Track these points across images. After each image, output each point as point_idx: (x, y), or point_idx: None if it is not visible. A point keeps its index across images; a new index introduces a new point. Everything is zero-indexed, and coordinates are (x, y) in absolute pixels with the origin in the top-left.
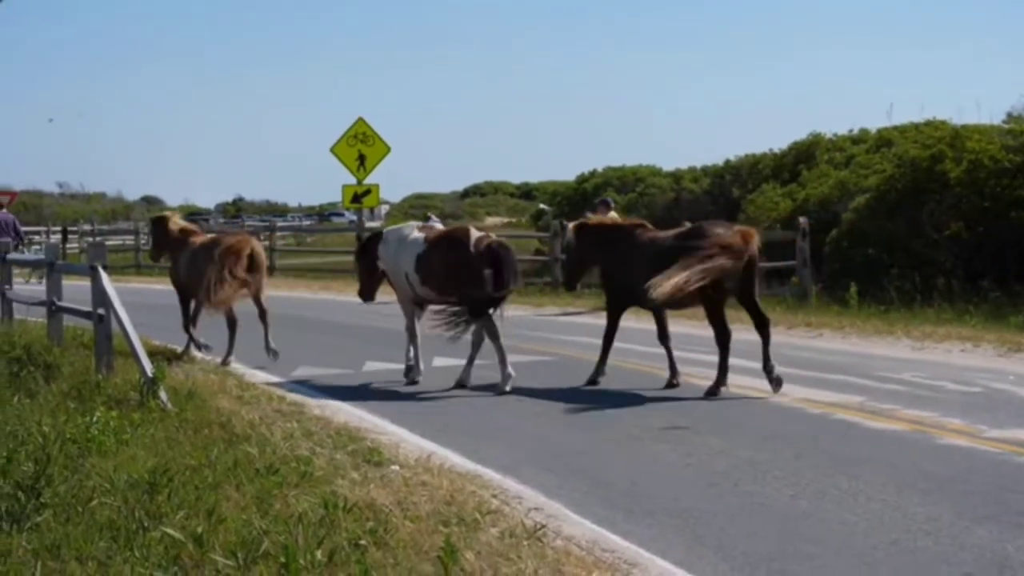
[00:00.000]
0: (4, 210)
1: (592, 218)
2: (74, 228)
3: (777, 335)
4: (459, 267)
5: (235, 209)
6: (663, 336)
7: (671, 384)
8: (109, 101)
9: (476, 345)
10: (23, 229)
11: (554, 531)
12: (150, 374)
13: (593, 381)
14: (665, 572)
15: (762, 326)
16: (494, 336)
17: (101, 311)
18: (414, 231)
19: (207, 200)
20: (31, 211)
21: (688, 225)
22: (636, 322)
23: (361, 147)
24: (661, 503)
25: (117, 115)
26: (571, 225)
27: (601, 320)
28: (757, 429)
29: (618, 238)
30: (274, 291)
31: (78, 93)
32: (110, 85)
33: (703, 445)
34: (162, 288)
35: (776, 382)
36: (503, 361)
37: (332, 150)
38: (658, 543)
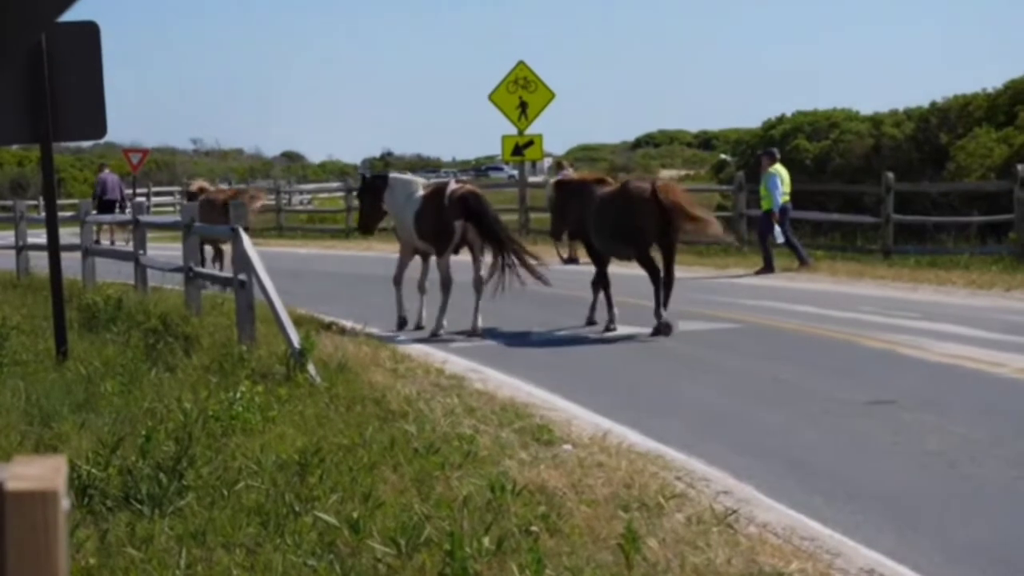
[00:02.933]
0: (108, 170)
1: (574, 175)
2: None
3: (992, 298)
4: (435, 218)
5: (383, 164)
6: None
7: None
8: (244, 53)
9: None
10: (155, 189)
11: (746, 517)
12: (297, 345)
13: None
14: (872, 563)
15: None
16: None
17: (243, 277)
18: (420, 190)
19: (352, 155)
20: (164, 169)
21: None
22: (833, 285)
23: (522, 93)
24: (866, 486)
25: (253, 67)
26: (551, 181)
27: (795, 283)
28: (972, 403)
29: (580, 193)
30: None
31: (212, 46)
32: (245, 36)
33: (912, 422)
34: (307, 252)
35: (664, 329)
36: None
37: (490, 98)
38: (863, 530)
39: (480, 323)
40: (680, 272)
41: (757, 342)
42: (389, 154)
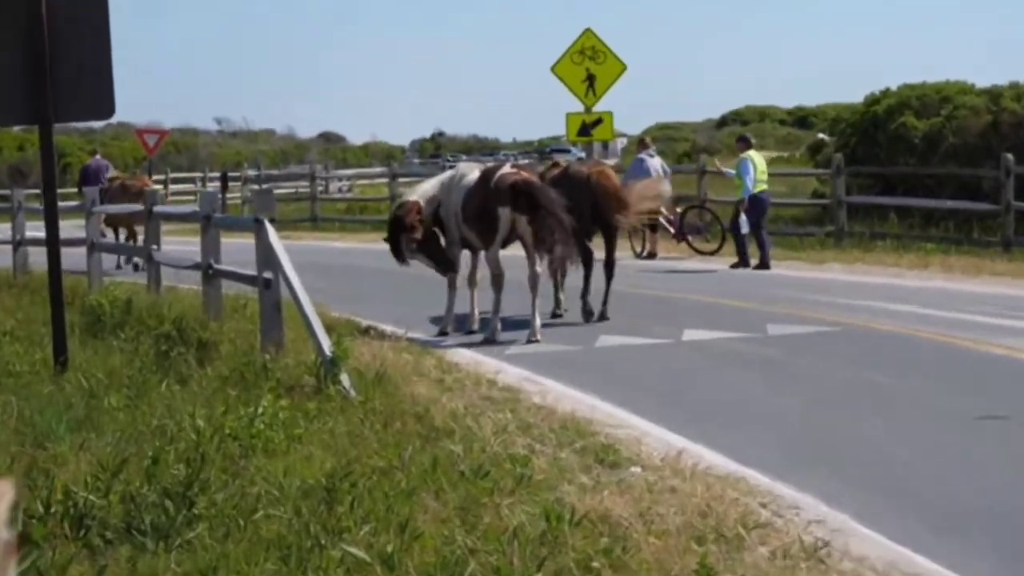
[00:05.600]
0: (98, 156)
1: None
2: (236, 173)
3: None
4: (480, 204)
5: (434, 146)
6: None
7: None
8: (277, 23)
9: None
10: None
11: (840, 550)
12: (329, 353)
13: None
14: None
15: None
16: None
17: (268, 275)
18: (474, 169)
19: (399, 136)
20: (184, 153)
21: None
22: (946, 282)
23: (590, 65)
24: (976, 514)
25: (287, 39)
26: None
27: (901, 280)
28: None
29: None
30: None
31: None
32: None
33: None
34: (344, 246)
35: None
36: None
37: (553, 70)
38: (973, 566)
39: (539, 324)
40: (774, 270)
41: (853, 347)
42: (441, 135)
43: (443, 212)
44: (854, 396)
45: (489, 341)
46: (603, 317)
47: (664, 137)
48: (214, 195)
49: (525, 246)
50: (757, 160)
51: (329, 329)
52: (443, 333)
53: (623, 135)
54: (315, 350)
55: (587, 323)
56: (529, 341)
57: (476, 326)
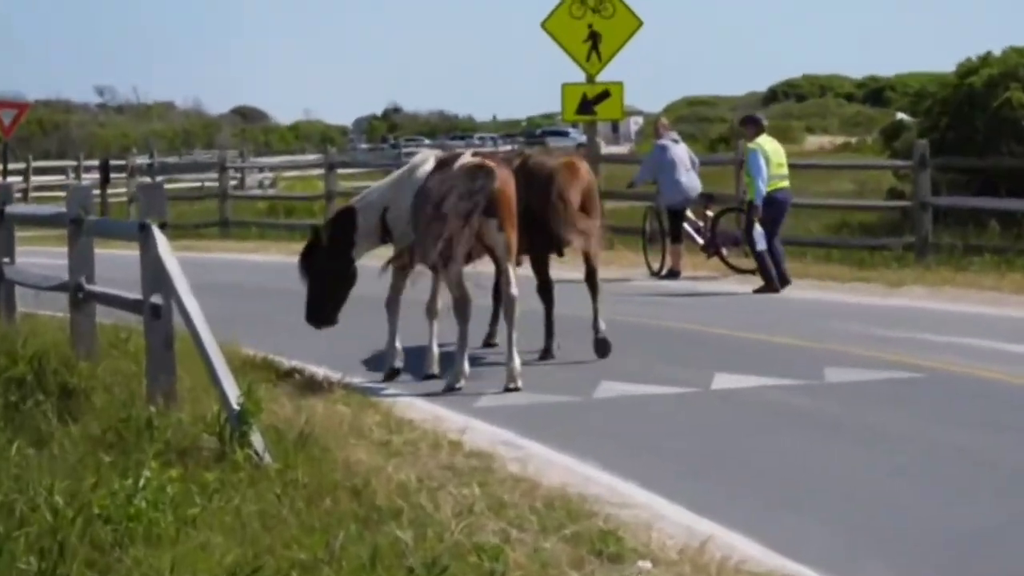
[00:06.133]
0: None
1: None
2: (120, 162)
3: None
4: (436, 209)
5: (387, 127)
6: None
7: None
8: None
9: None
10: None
11: None
12: (236, 405)
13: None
14: None
15: None
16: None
17: (157, 299)
18: (429, 159)
19: (339, 114)
20: (52, 134)
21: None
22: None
23: (593, 19)
24: None
25: None
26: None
27: (1000, 308)
28: None
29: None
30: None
31: None
32: None
33: None
34: (264, 260)
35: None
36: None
37: (544, 25)
38: None
39: (518, 365)
40: (835, 294)
41: (940, 399)
42: (396, 110)
43: (390, 219)
44: (942, 466)
45: (452, 389)
46: (548, 354)
47: (693, 117)
48: (87, 190)
49: (496, 260)
50: (770, 149)
51: (240, 372)
52: (390, 375)
53: (639, 113)
54: (218, 401)
55: (599, 357)
56: (507, 389)
57: (436, 368)
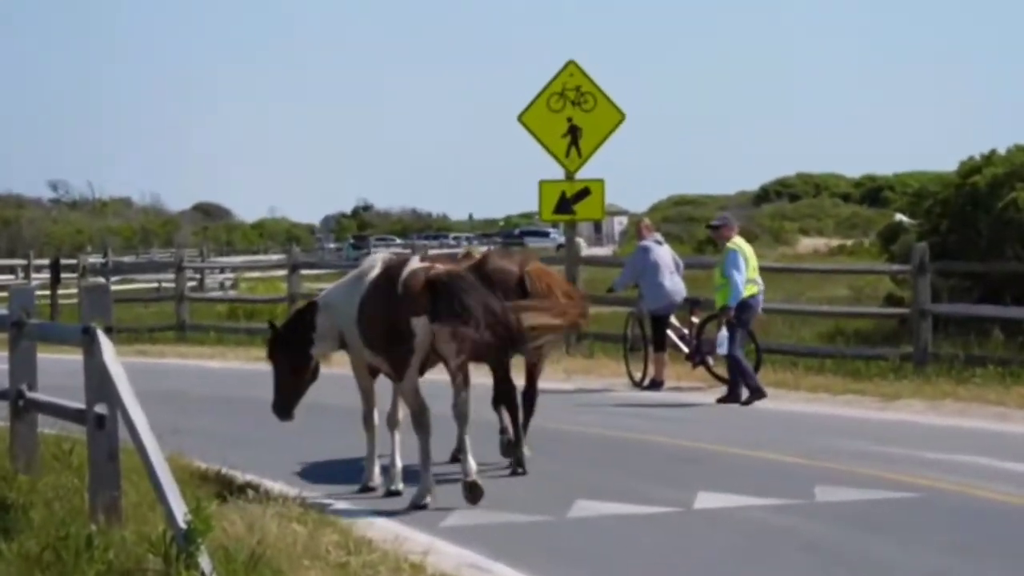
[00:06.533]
0: None
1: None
2: (71, 260)
3: None
4: (383, 317)
5: (357, 224)
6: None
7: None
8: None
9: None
10: None
11: None
12: (183, 524)
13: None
14: None
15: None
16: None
17: (101, 408)
18: (377, 264)
19: (306, 212)
20: (1, 232)
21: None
22: None
23: (573, 112)
24: None
25: (154, 81)
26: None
27: (1005, 424)
28: None
29: None
30: None
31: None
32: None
33: None
34: (223, 367)
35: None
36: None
37: (521, 118)
38: None
39: (474, 467)
40: (828, 407)
41: (941, 523)
42: (366, 208)
43: (339, 324)
44: None
45: (418, 507)
46: (519, 465)
47: (680, 217)
48: (30, 292)
49: (449, 365)
50: (748, 251)
51: (190, 487)
52: (365, 489)
53: (623, 213)
54: (165, 519)
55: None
56: (469, 494)
57: (399, 484)
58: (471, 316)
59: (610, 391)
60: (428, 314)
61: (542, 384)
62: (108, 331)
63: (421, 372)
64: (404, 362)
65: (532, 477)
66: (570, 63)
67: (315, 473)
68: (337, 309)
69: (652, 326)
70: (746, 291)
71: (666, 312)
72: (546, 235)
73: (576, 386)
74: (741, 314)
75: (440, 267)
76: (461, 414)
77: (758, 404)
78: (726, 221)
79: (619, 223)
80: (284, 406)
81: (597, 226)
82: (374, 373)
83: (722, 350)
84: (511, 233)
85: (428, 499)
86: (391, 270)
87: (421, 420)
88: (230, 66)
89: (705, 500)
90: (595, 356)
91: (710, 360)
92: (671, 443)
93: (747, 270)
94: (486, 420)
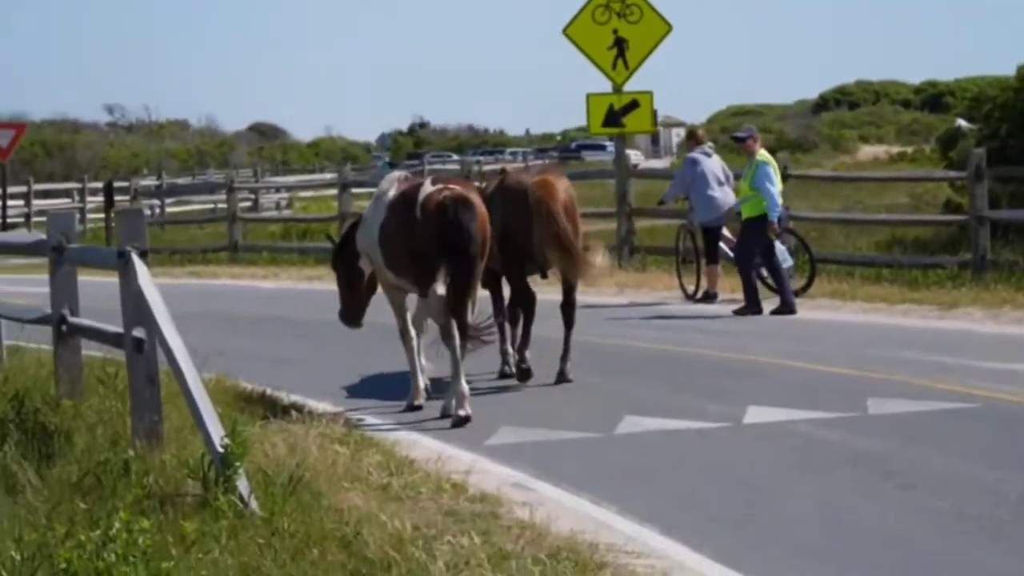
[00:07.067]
0: None
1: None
2: (123, 183)
3: None
4: (405, 239)
5: (413, 142)
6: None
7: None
8: None
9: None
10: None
11: None
12: (220, 447)
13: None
14: None
15: None
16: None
17: (138, 332)
18: (393, 185)
19: (362, 130)
20: (57, 156)
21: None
22: None
23: (619, 24)
24: None
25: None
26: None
27: None
28: None
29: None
30: None
31: None
32: None
33: None
34: (275, 287)
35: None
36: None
37: (566, 32)
38: None
39: (466, 390)
40: (884, 317)
41: (994, 432)
42: (422, 125)
43: (364, 244)
44: (988, 511)
45: (448, 416)
46: (563, 378)
47: (738, 127)
48: (69, 216)
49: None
50: (773, 164)
51: (234, 409)
52: (411, 408)
53: (681, 124)
54: (204, 441)
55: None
56: (447, 416)
57: (422, 399)
58: (472, 241)
59: (663, 304)
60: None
61: (593, 299)
62: (143, 255)
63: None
64: (428, 279)
65: (579, 393)
66: None
67: (363, 392)
68: (362, 229)
69: (704, 238)
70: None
71: (717, 224)
72: (603, 148)
73: (628, 300)
74: (760, 230)
75: (452, 189)
76: (457, 338)
77: (814, 315)
78: (751, 133)
79: (677, 135)
80: (349, 315)
81: (654, 139)
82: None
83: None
84: (568, 147)
85: (465, 411)
86: (406, 193)
87: (448, 330)
88: None
89: (755, 414)
90: (648, 269)
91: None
92: (722, 356)
93: (778, 180)
94: (544, 337)
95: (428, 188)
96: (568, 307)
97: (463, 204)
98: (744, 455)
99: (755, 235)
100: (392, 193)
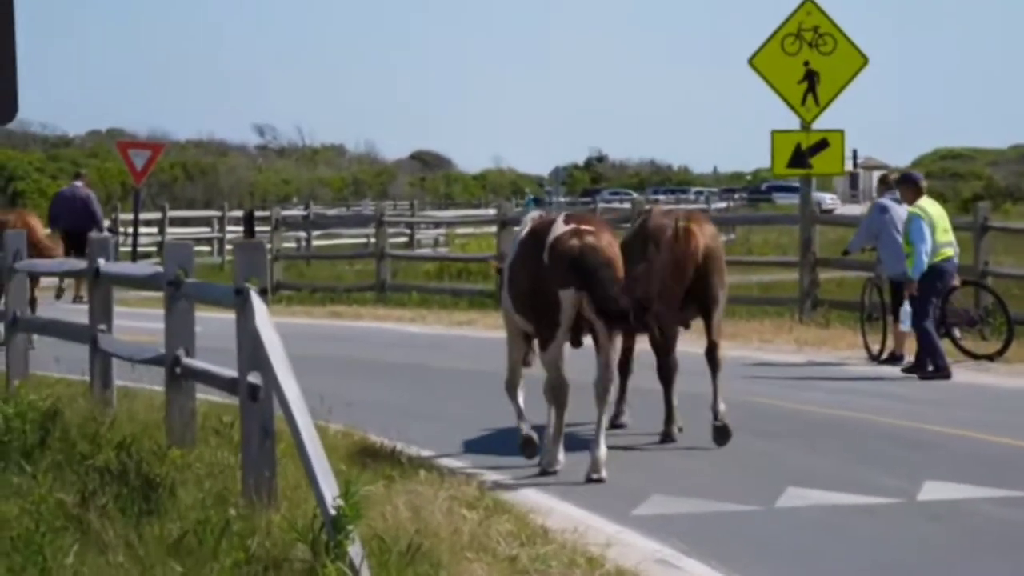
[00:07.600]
0: (82, 182)
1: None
2: (264, 213)
3: None
4: (531, 281)
5: (591, 177)
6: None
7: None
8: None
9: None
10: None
11: None
12: (332, 509)
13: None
14: None
15: None
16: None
17: (254, 378)
18: (527, 225)
19: (535, 163)
20: (199, 180)
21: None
22: None
23: (810, 56)
24: None
25: (370, 18)
26: None
27: None
28: None
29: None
30: None
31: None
32: None
33: None
34: (422, 332)
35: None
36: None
37: (752, 62)
38: None
39: (604, 455)
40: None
41: None
42: (600, 159)
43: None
44: None
45: (547, 473)
46: (668, 437)
47: (942, 173)
48: (187, 248)
49: (596, 337)
50: (934, 213)
51: (358, 464)
52: (545, 472)
53: (883, 167)
54: (316, 501)
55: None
56: (588, 479)
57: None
58: (602, 290)
59: (843, 364)
60: (574, 285)
61: (769, 356)
62: (263, 293)
63: (578, 341)
64: (550, 333)
65: (741, 460)
66: (806, 2)
67: (503, 450)
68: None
69: (891, 293)
70: (937, 256)
71: (907, 278)
72: (796, 190)
73: (806, 358)
74: (935, 282)
75: (585, 236)
76: (598, 393)
77: (1011, 381)
78: (905, 180)
79: (875, 177)
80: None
81: (853, 182)
82: (528, 340)
83: (905, 326)
84: (757, 188)
85: (598, 474)
86: (537, 232)
87: (557, 394)
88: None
89: (931, 491)
90: (831, 325)
91: (956, 332)
92: (900, 424)
93: (936, 233)
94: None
95: (560, 229)
96: (662, 363)
97: (592, 251)
98: (915, 537)
99: (924, 292)
100: (524, 232)
